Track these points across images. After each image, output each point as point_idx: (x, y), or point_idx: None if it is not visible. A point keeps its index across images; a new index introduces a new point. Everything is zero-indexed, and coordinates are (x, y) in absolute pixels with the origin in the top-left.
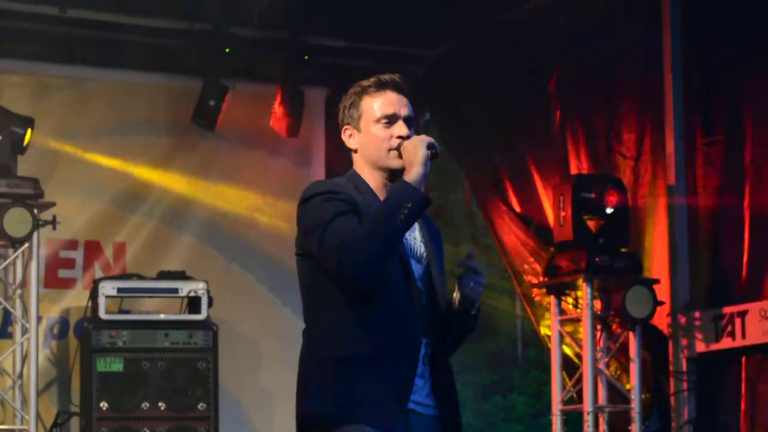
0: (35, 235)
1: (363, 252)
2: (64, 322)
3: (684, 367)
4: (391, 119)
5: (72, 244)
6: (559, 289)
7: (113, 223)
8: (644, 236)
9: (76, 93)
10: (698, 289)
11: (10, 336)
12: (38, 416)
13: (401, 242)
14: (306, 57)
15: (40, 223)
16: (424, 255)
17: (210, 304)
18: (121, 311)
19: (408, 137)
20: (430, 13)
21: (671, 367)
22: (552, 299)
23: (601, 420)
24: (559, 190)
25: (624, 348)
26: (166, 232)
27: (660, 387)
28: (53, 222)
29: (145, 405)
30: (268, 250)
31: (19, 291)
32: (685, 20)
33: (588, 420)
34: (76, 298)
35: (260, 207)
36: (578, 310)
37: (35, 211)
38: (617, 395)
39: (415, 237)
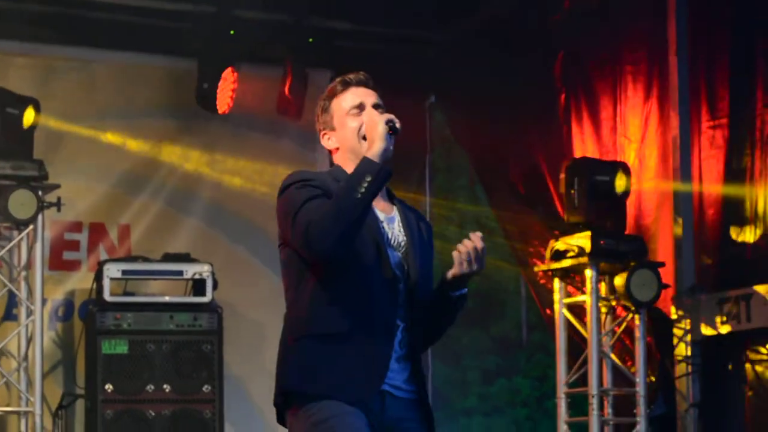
0: (40, 217)
1: (328, 227)
2: (68, 304)
3: (689, 351)
4: (359, 107)
5: (77, 226)
6: (564, 272)
7: (118, 206)
8: (649, 219)
9: (81, 75)
10: (703, 272)
11: (15, 318)
12: (43, 398)
13: (378, 230)
14: (311, 39)
15: (45, 204)
16: (402, 244)
17: (215, 286)
18: (125, 293)
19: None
20: None
21: (676, 351)
22: (557, 282)
23: (606, 403)
24: (573, 172)
25: (629, 331)
26: (171, 214)
27: (665, 370)
28: (58, 204)
29: (150, 387)
30: (273, 232)
31: (23, 273)
32: (690, 3)
33: (593, 403)
34: (80, 280)
35: (265, 189)
36: (584, 294)
37: (40, 192)
38: (622, 379)
39: (394, 227)
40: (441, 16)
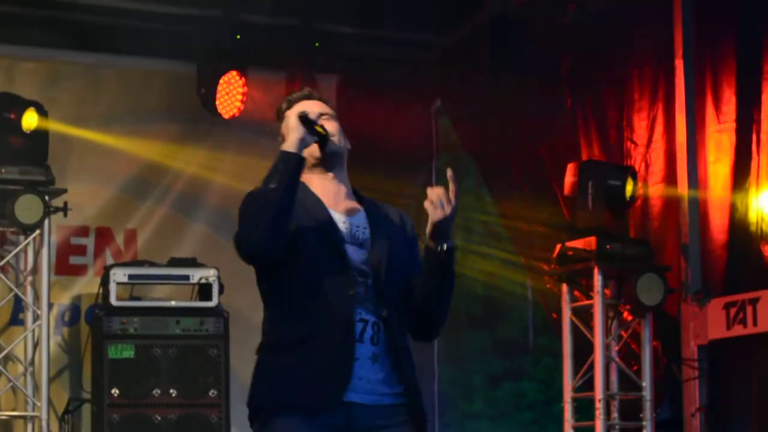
0: (46, 221)
1: (251, 224)
2: (75, 308)
3: (695, 355)
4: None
5: (83, 231)
6: (571, 276)
7: (124, 210)
8: (655, 223)
9: (88, 80)
10: (710, 276)
11: (21, 323)
12: (50, 403)
13: (333, 230)
14: (317, 44)
15: (52, 209)
16: (369, 239)
17: (221, 291)
18: (132, 298)
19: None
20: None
21: (683, 355)
22: (563, 287)
23: (613, 407)
24: (587, 176)
25: (635, 335)
26: (178, 219)
27: (671, 374)
28: (64, 209)
29: (157, 392)
30: None
31: (30, 278)
32: (696, 6)
33: (600, 407)
34: (87, 285)
35: None
36: (590, 299)
37: (46, 197)
38: (629, 383)
39: (357, 224)
40: (445, 20)
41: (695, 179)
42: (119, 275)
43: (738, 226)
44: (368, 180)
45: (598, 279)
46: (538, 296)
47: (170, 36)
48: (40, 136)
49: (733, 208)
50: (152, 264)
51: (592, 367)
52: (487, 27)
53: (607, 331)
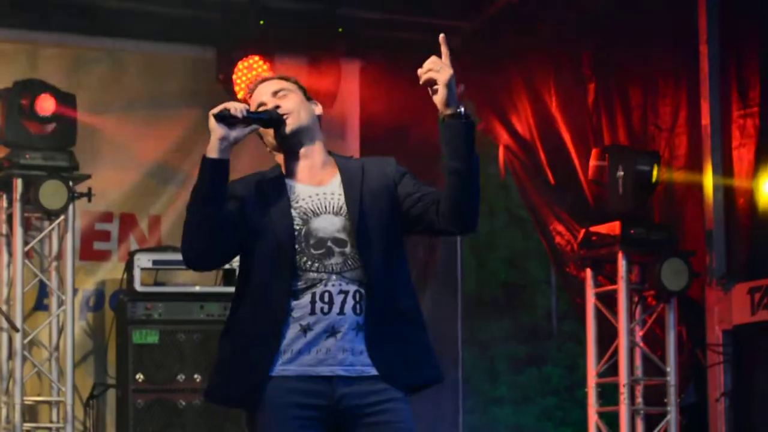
0: (71, 207)
1: (187, 242)
2: (99, 294)
3: (720, 340)
4: (260, 106)
5: (107, 217)
6: (595, 261)
7: (148, 196)
8: (680, 208)
9: (110, 65)
10: (734, 260)
11: (46, 308)
12: (75, 388)
13: (283, 226)
14: (341, 29)
15: (76, 195)
16: (344, 206)
17: None
18: (156, 283)
19: (276, 106)
20: None
21: (707, 340)
22: (588, 272)
23: (637, 392)
24: (616, 161)
25: (660, 320)
26: None
27: (696, 359)
28: (88, 194)
29: (181, 377)
30: None
31: (54, 263)
32: None
33: (624, 392)
34: (111, 271)
35: None
36: (614, 284)
37: (71, 183)
38: (653, 368)
39: (330, 193)
40: (469, 4)
41: (719, 164)
42: (143, 261)
43: (762, 210)
44: None
45: (622, 264)
46: (562, 281)
47: (193, 21)
48: (65, 121)
49: (757, 192)
50: (176, 249)
51: (616, 352)
52: (511, 11)
53: (631, 316)
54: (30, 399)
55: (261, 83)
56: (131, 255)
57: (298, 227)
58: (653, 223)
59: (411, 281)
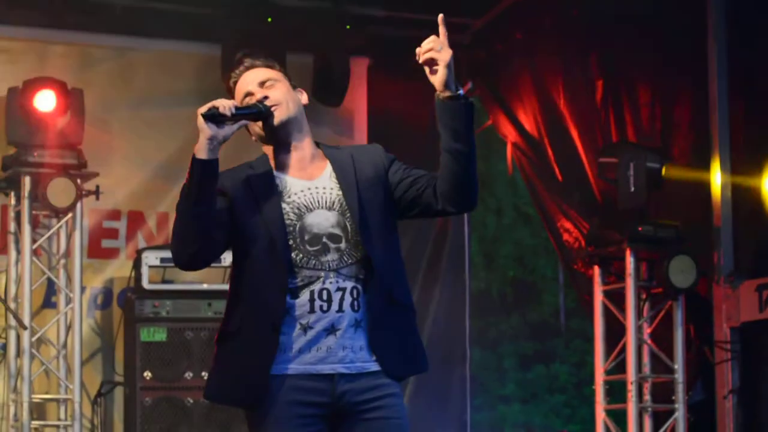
0: (79, 205)
1: (176, 245)
2: (107, 292)
3: (728, 337)
4: (247, 96)
5: (115, 215)
6: (603, 258)
7: (156, 194)
8: (688, 206)
9: (119, 63)
10: (742, 258)
11: (54, 306)
12: (82, 386)
13: (276, 223)
14: (348, 26)
15: (84, 193)
16: (337, 200)
17: None
18: (164, 281)
19: (265, 97)
20: None
21: (715, 337)
22: (595, 269)
23: (645, 390)
24: (627, 158)
25: (668, 318)
26: None
27: (704, 357)
28: (96, 192)
29: (189, 374)
30: None
31: (63, 261)
32: None
33: (632, 390)
34: (119, 268)
35: None
36: (621, 281)
37: (79, 181)
38: (661, 365)
39: (322, 187)
40: (477, 2)
41: (727, 161)
42: (151, 258)
43: None
44: None
45: (630, 261)
46: (570, 279)
47: (201, 19)
48: (73, 119)
49: (764, 189)
50: None
51: (624, 349)
52: (519, 9)
53: (639, 314)
54: (38, 397)
55: (247, 71)
56: (139, 253)
57: (291, 222)
58: (661, 221)
59: (404, 267)
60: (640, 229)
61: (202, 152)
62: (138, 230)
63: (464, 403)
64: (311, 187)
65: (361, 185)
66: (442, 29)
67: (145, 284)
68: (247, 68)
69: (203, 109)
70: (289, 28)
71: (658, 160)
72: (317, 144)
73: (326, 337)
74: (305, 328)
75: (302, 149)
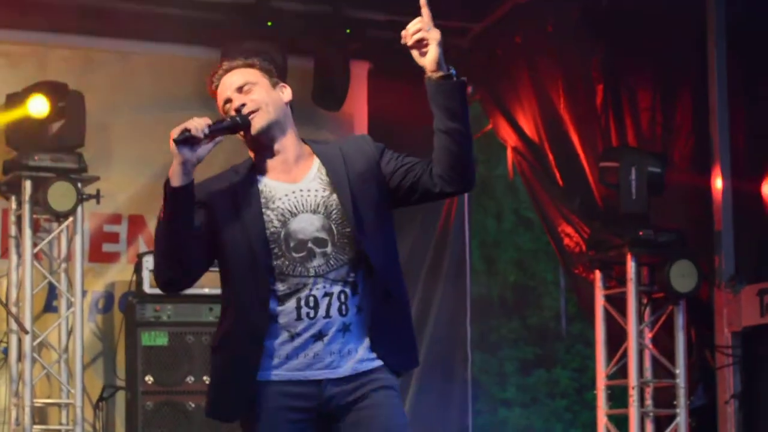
0: (79, 209)
1: (157, 266)
2: (108, 296)
3: (729, 342)
4: (226, 102)
5: (116, 218)
6: (604, 263)
7: (157, 198)
8: (689, 210)
9: (120, 67)
10: (743, 262)
11: (55, 310)
12: (84, 390)
13: (256, 235)
14: (348, 30)
15: (84, 197)
16: (322, 202)
17: None
18: None
19: (242, 105)
20: None
21: (716, 342)
22: (597, 273)
23: (646, 395)
24: (628, 162)
25: (669, 322)
26: None
27: (705, 361)
28: (97, 196)
29: (190, 379)
30: None
31: (63, 265)
32: None
33: (633, 395)
34: (120, 272)
35: None
36: (623, 286)
37: (79, 185)
38: (662, 370)
39: (308, 190)
40: (477, 6)
41: (728, 166)
42: (152, 263)
43: None
44: None
45: (631, 266)
46: (571, 283)
47: (202, 23)
48: (74, 123)
49: (765, 194)
50: None
51: (625, 354)
52: (518, 12)
53: (640, 318)
54: (39, 401)
55: (225, 74)
56: (140, 257)
57: (275, 230)
58: (662, 225)
59: (398, 258)
60: (641, 233)
61: (176, 179)
62: (139, 234)
63: (465, 406)
64: (296, 191)
65: (352, 180)
66: (425, 10)
67: (147, 288)
68: (226, 71)
69: (175, 132)
70: (290, 33)
71: (659, 164)
72: (304, 141)
73: (314, 343)
74: (293, 336)
75: (286, 152)
